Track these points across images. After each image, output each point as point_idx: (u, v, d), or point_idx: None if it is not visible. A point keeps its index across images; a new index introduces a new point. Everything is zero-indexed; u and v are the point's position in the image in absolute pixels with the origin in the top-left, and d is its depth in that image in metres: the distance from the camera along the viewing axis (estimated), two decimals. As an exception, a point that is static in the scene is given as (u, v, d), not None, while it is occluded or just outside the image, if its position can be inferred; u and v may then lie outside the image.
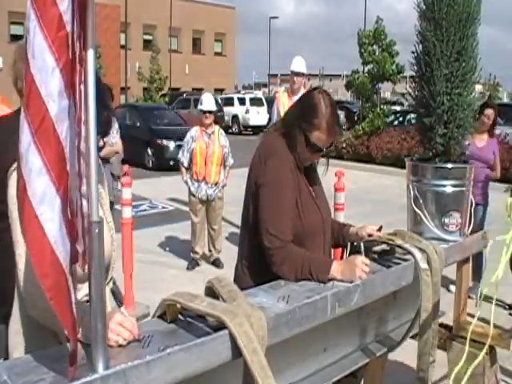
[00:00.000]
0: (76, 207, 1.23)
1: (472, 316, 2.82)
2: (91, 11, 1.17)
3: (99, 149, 1.53)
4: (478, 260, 4.71)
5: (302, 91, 5.50)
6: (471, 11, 2.52)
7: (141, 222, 7.25)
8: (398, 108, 22.90)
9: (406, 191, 2.69)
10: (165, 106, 21.30)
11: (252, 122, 26.63)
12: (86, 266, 1.23)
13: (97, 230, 1.18)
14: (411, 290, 2.27)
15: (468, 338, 1.96)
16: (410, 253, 2.18)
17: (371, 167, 14.01)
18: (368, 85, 14.87)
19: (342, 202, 4.95)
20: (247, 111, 26.98)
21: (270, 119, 8.18)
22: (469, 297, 3.07)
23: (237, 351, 1.43)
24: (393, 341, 2.32)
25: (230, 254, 5.31)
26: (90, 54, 1.17)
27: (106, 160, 5.05)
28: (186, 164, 6.05)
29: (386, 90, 29.70)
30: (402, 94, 22.25)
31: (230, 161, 6.17)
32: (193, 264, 6.16)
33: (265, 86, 53.73)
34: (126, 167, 5.33)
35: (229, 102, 27.76)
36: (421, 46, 2.61)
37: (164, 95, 26.26)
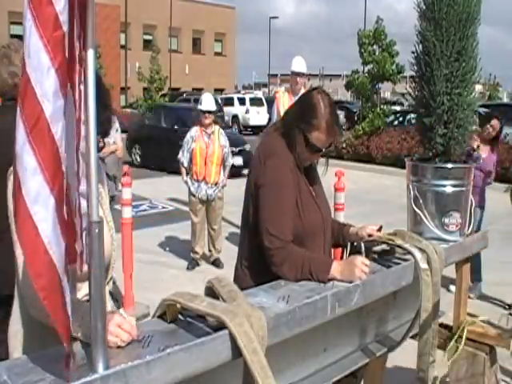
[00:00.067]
0: (75, 207, 1.23)
1: (472, 316, 2.83)
2: (91, 11, 1.17)
3: (99, 149, 1.53)
4: (475, 260, 4.73)
5: (303, 91, 5.50)
6: (471, 11, 2.52)
7: (141, 222, 7.25)
8: (398, 108, 22.88)
9: (405, 191, 2.69)
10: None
11: (252, 122, 26.62)
12: (85, 266, 1.23)
13: (97, 230, 1.18)
14: (411, 289, 2.27)
15: (464, 337, 1.95)
16: (410, 253, 2.18)
17: (371, 167, 14.02)
18: (368, 85, 14.88)
19: (342, 202, 4.95)
20: (247, 111, 26.99)
21: (270, 119, 8.17)
22: (468, 297, 3.08)
23: (237, 351, 1.43)
24: (393, 341, 2.32)
25: (230, 253, 5.31)
26: (90, 54, 1.17)
27: (101, 160, 5.05)
28: (185, 164, 6.06)
29: (386, 90, 29.66)
30: (402, 94, 22.23)
31: (230, 161, 6.18)
32: (193, 264, 6.16)
33: (265, 85, 53.71)
34: (125, 167, 5.32)
35: (229, 102, 27.76)
36: (421, 46, 2.61)
37: (164, 95, 26.22)
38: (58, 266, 1.10)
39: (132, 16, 35.41)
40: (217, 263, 6.21)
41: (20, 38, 1.47)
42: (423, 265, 2.14)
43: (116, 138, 5.74)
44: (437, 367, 2.29)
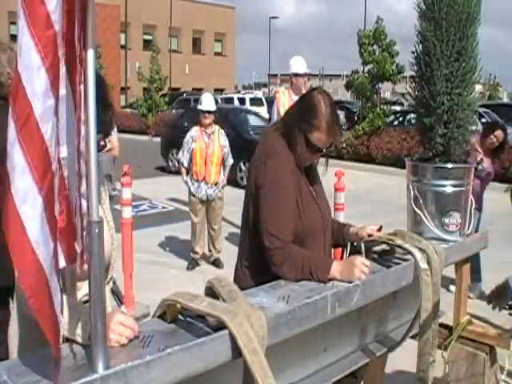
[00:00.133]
0: (75, 207, 1.23)
1: (472, 316, 2.83)
2: (91, 11, 1.17)
3: (100, 148, 1.53)
4: (474, 260, 4.72)
5: (303, 91, 5.50)
6: (471, 11, 2.52)
7: (141, 222, 7.25)
8: (398, 108, 22.85)
9: (405, 191, 2.69)
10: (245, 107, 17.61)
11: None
12: (85, 266, 1.23)
13: (97, 230, 1.18)
14: (411, 289, 2.27)
15: (456, 336, 1.95)
16: (410, 253, 2.18)
17: (371, 167, 14.01)
18: (368, 85, 14.87)
19: (342, 202, 4.94)
20: (247, 111, 26.96)
21: (270, 119, 8.17)
22: (468, 297, 3.08)
23: (237, 351, 1.43)
24: (393, 341, 2.32)
25: (230, 253, 5.31)
26: (90, 54, 1.17)
27: None
28: (185, 164, 6.06)
29: (385, 90, 29.65)
30: (402, 94, 22.21)
31: (230, 161, 6.17)
32: (193, 264, 6.16)
33: (265, 86, 53.68)
34: (125, 167, 5.31)
35: (229, 102, 27.74)
36: (421, 45, 2.61)
37: (164, 95, 26.23)
38: (44, 267, 1.09)
39: (132, 16, 35.44)
40: (217, 263, 6.21)
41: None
42: (423, 265, 2.14)
43: (112, 137, 5.73)
44: (437, 367, 2.29)
